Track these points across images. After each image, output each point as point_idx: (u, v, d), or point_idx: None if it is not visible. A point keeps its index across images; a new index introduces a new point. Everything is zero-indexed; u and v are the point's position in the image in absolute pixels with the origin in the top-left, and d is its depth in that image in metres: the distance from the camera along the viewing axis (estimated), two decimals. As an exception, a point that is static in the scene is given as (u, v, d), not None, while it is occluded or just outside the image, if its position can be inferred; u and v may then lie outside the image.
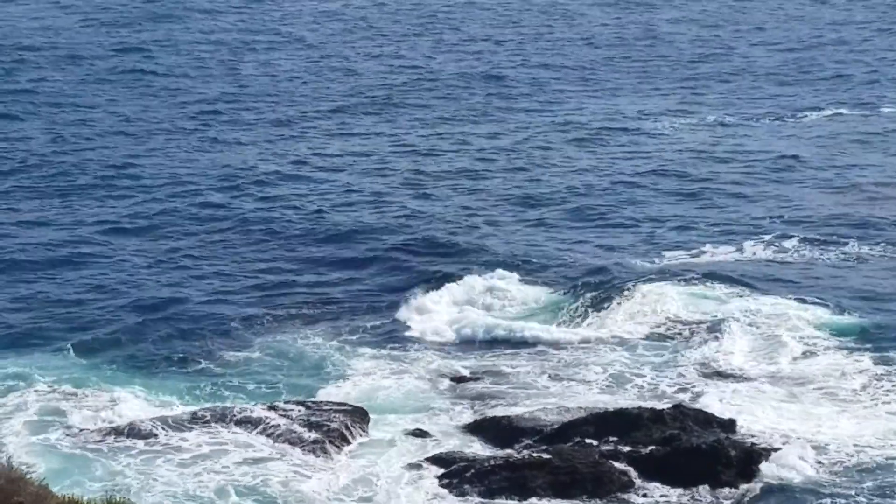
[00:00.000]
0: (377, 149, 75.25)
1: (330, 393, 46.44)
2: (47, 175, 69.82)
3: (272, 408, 44.17)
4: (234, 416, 43.53)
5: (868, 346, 49.10)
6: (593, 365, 48.40)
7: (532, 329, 51.40)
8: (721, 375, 47.24)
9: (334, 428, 42.79)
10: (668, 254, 58.84)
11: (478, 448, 42.47)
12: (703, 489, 39.84)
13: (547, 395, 46.02)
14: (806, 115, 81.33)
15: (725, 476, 40.19)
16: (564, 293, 54.23)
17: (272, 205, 65.50)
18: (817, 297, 53.02)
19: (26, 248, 59.60)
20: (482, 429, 43.64)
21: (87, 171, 70.61)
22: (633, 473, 40.40)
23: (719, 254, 58.99)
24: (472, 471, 40.36)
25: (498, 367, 48.48)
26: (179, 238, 61.29)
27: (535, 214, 64.35)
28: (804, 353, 48.78)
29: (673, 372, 47.69)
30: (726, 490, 39.85)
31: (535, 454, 41.09)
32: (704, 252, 59.15)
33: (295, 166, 71.90)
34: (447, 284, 55.17)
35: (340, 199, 66.29)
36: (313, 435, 42.45)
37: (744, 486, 40.00)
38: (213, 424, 43.05)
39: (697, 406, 44.24)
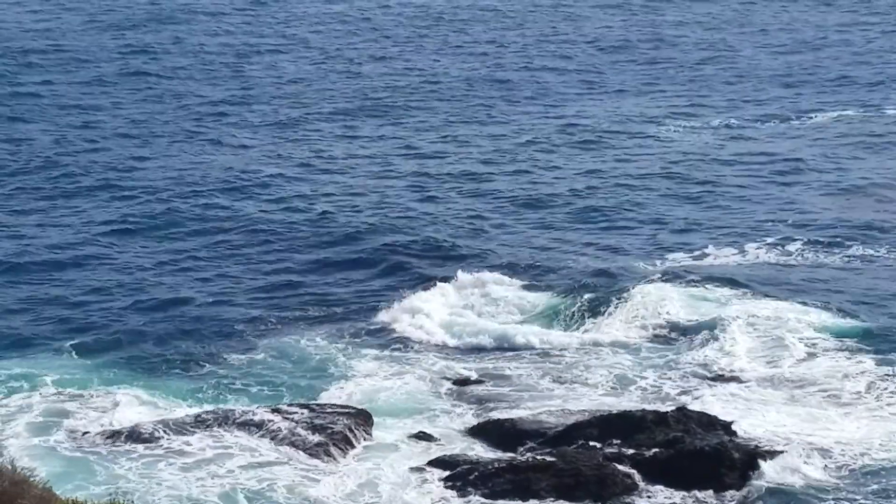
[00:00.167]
0: (381, 151, 75.28)
1: (333, 395, 46.46)
2: (52, 177, 69.92)
3: (276, 410, 44.15)
4: (238, 418, 43.53)
5: (871, 349, 49.06)
6: (596, 367, 48.41)
7: (534, 331, 51.40)
8: (724, 378, 47.22)
9: (338, 431, 42.78)
10: (671, 256, 58.86)
11: (481, 451, 42.48)
12: (707, 492, 39.84)
13: (550, 398, 46.03)
14: (810, 118, 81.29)
15: (729, 478, 40.21)
16: (567, 295, 54.21)
17: (276, 207, 65.55)
18: (820, 300, 53.00)
19: (31, 250, 59.68)
20: (485, 431, 43.67)
21: (91, 172, 70.69)
22: (637, 476, 40.42)
23: (722, 256, 59.00)
24: (476, 473, 40.38)
25: (500, 369, 48.48)
26: (183, 240, 61.36)
27: (539, 217, 64.37)
28: (807, 355, 48.77)
29: (676, 374, 47.68)
30: (730, 492, 39.87)
31: (538, 457, 41.12)
32: (707, 255, 59.17)
33: (299, 168, 71.94)
34: (449, 287, 55.18)
35: (344, 201, 66.33)
36: (317, 438, 42.43)
37: (747, 489, 39.99)
38: (216, 427, 43.04)
39: (701, 409, 44.22)
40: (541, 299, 54.28)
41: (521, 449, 42.20)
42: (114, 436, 42.69)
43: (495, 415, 44.70)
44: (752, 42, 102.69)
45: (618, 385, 47.16)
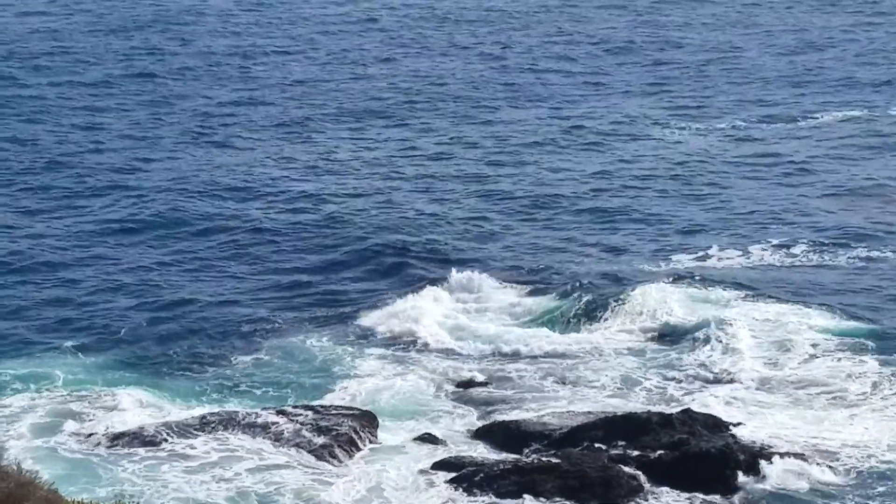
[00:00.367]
0: (387, 152, 75.31)
1: (338, 396, 46.45)
2: (57, 177, 69.99)
3: (280, 412, 44.13)
4: (243, 420, 43.49)
5: (876, 350, 48.97)
6: (600, 369, 48.38)
7: (538, 333, 51.38)
8: (729, 380, 47.18)
9: (343, 433, 42.75)
10: (675, 257, 58.84)
11: (486, 452, 42.48)
12: (713, 494, 39.80)
13: (554, 400, 46.00)
14: (816, 119, 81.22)
15: (734, 480, 40.18)
16: (571, 297, 54.16)
17: (281, 208, 65.58)
18: (825, 302, 52.97)
19: (36, 250, 59.73)
20: (490, 433, 43.67)
21: (97, 173, 70.76)
22: (643, 478, 40.39)
23: (726, 258, 58.95)
24: (482, 475, 40.34)
25: (504, 371, 48.45)
26: (189, 240, 61.41)
27: (544, 218, 64.36)
28: (812, 357, 48.71)
29: (680, 376, 47.65)
30: (735, 495, 39.82)
31: (543, 458, 41.09)
32: (712, 256, 59.13)
33: (304, 169, 71.97)
34: (454, 289, 55.19)
35: (350, 202, 66.34)
36: (322, 440, 42.39)
37: (753, 491, 39.96)
38: (221, 429, 42.99)
39: (706, 410, 44.21)
40: (545, 300, 54.28)
41: (527, 451, 42.16)
42: (118, 437, 42.67)
43: (500, 416, 44.69)
44: (758, 43, 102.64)
45: (622, 387, 47.15)
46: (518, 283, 55.84)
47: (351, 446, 42.41)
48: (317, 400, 46.25)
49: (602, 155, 74.60)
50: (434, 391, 46.85)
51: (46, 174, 70.53)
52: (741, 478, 40.26)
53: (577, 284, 55.09)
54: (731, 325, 50.66)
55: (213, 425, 43.23)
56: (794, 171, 71.33)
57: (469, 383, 47.48)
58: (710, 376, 47.46)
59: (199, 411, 44.77)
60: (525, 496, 39.56)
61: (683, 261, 58.40)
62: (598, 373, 48.06)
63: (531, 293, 54.91)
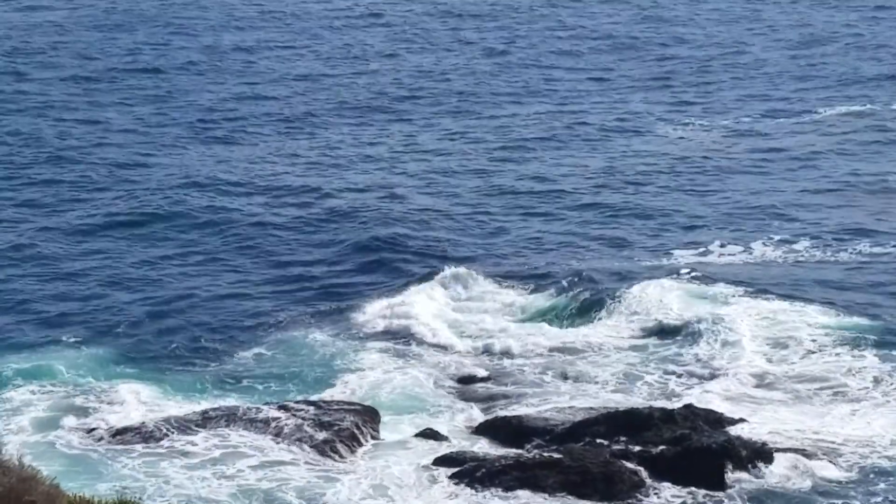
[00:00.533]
0: (388, 147, 75.28)
1: (339, 391, 46.45)
2: (60, 172, 69.99)
3: (282, 407, 44.14)
4: (244, 415, 43.48)
5: (879, 346, 48.92)
6: (602, 365, 48.37)
7: (540, 328, 51.37)
8: (730, 376, 47.17)
9: (345, 428, 42.74)
10: (677, 253, 58.80)
11: (488, 448, 42.50)
12: (714, 489, 39.80)
13: (556, 395, 46.02)
14: (820, 114, 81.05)
15: (736, 476, 40.18)
16: (572, 292, 54.12)
17: (283, 202, 65.57)
18: (827, 298, 52.96)
19: (38, 245, 59.76)
20: (492, 428, 43.68)
21: (99, 168, 70.76)
22: (644, 473, 40.41)
23: (728, 254, 58.91)
24: (484, 470, 40.39)
25: (506, 366, 48.44)
26: (190, 236, 61.39)
27: (545, 213, 64.30)
28: (814, 353, 48.67)
29: (682, 372, 47.63)
30: (737, 490, 39.82)
31: (545, 454, 41.12)
32: (713, 252, 59.08)
33: (307, 164, 71.97)
34: (454, 283, 55.18)
35: (352, 196, 66.32)
36: (324, 435, 42.37)
37: (755, 486, 39.97)
38: (223, 424, 42.99)
39: (707, 406, 44.20)
40: (546, 296, 54.23)
41: (528, 446, 42.19)
42: (120, 433, 42.68)
43: (501, 412, 44.71)
44: (761, 38, 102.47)
45: (624, 382, 47.14)
46: (519, 278, 55.83)
47: (353, 442, 42.41)
48: (318, 394, 46.27)
49: (605, 150, 74.54)
50: (435, 386, 46.86)
51: (49, 168, 70.53)
52: (743, 474, 40.25)
53: (578, 280, 55.09)
54: (732, 321, 50.64)
55: (214, 420, 43.23)
56: (797, 166, 71.26)
57: (470, 379, 47.48)
58: (712, 372, 47.44)
59: (200, 406, 44.78)
60: (525, 490, 39.58)
61: (685, 256, 58.38)
62: (599, 368, 48.07)
63: (532, 288, 54.87)
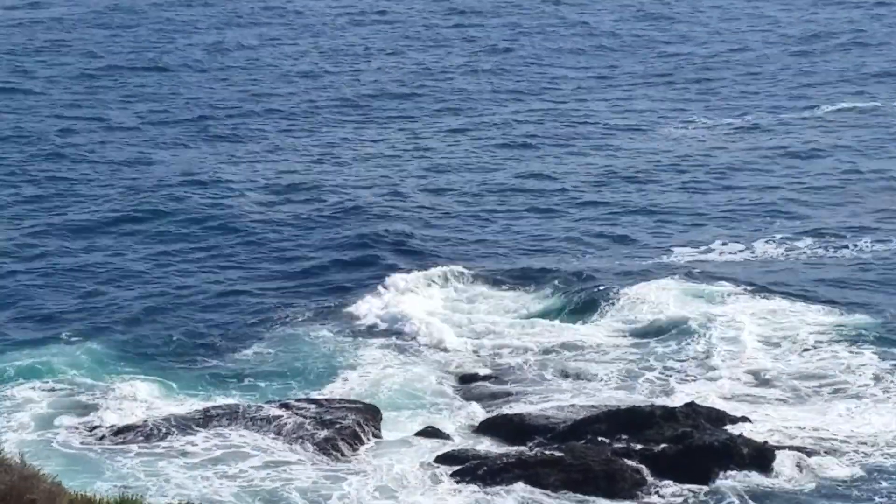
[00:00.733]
0: (390, 144, 75.23)
1: (341, 389, 46.45)
2: (61, 169, 69.99)
3: (284, 405, 44.12)
4: (246, 414, 43.46)
5: (878, 343, 48.89)
6: (603, 363, 48.34)
7: (540, 326, 51.30)
8: (732, 373, 47.15)
9: (347, 426, 42.73)
10: (678, 251, 58.73)
11: (490, 446, 42.49)
12: (716, 487, 39.79)
13: (557, 393, 46.01)
14: (823, 111, 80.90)
15: (738, 474, 40.15)
16: (573, 289, 54.12)
17: (283, 199, 65.54)
18: (829, 296, 52.92)
19: (40, 242, 59.77)
20: (494, 426, 43.68)
21: (100, 164, 70.78)
22: (646, 471, 40.39)
23: (729, 252, 58.83)
24: (485, 468, 40.38)
25: (506, 364, 48.39)
26: (191, 233, 61.36)
27: (546, 210, 64.25)
28: (815, 350, 48.62)
29: (683, 370, 47.60)
30: (739, 488, 39.78)
31: (547, 452, 41.09)
32: (714, 249, 59.00)
33: (308, 162, 71.96)
34: (455, 281, 55.18)
35: (352, 194, 66.27)
36: (326, 433, 42.36)
37: (756, 484, 39.94)
38: (225, 422, 42.97)
39: (709, 404, 44.19)
40: (547, 293, 54.21)
41: (530, 444, 42.20)
42: (121, 431, 42.64)
43: (503, 410, 44.72)
44: (764, 35, 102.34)
45: (625, 379, 47.14)
46: (520, 276, 55.76)
47: (354, 440, 42.40)
48: (319, 391, 46.28)
49: (606, 148, 74.44)
50: (436, 384, 46.84)
51: (51, 165, 70.54)
52: (745, 472, 40.21)
53: (579, 278, 55.06)
54: (733, 319, 50.62)
55: (216, 419, 43.19)
56: (799, 163, 71.16)
57: (472, 377, 47.45)
58: (713, 370, 47.40)
59: (202, 404, 44.76)
60: (527, 488, 39.55)
61: (686, 254, 58.35)
62: (599, 366, 48.04)
63: (533, 286, 54.81)
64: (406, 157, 72.93)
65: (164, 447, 41.65)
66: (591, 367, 47.98)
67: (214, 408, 44.15)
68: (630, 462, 40.62)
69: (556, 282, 54.91)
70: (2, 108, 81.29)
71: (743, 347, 48.70)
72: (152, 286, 55.30)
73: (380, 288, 54.73)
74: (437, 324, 51.51)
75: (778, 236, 60.29)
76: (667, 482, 39.96)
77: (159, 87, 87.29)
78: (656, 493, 39.63)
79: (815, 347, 48.80)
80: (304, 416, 43.28)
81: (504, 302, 53.93)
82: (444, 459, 41.23)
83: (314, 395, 46.03)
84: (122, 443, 42.04)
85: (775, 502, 39.24)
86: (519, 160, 72.33)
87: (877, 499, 39.10)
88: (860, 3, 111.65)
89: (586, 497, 39.49)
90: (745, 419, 43.32)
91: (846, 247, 59.00)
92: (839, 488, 39.70)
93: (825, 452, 41.42)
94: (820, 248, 59.04)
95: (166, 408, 44.65)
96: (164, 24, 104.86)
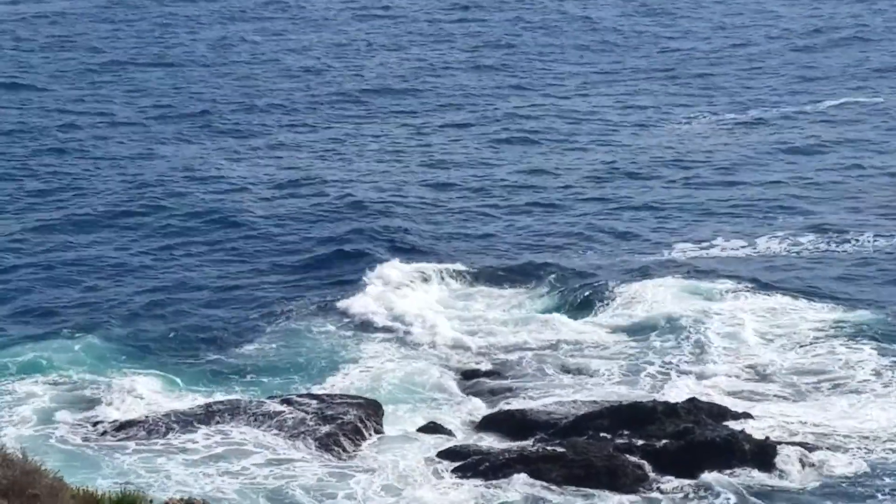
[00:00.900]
0: (391, 140, 75.20)
1: (342, 384, 46.43)
2: (63, 163, 69.96)
3: (285, 401, 44.09)
4: (248, 409, 43.41)
5: (880, 339, 48.85)
6: (605, 358, 48.32)
7: (541, 322, 51.22)
8: (733, 369, 47.14)
9: (348, 421, 42.68)
10: (680, 247, 58.67)
11: (492, 441, 42.50)
12: (717, 483, 39.78)
13: (559, 388, 46.00)
14: (825, 105, 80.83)
15: (740, 470, 40.16)
16: (574, 286, 54.08)
17: (284, 194, 65.51)
18: (831, 291, 52.91)
19: (41, 238, 59.75)
20: (496, 422, 43.68)
21: (102, 159, 70.78)
22: (648, 467, 40.39)
23: (731, 248, 58.76)
24: (487, 464, 40.38)
25: (508, 360, 48.35)
26: (192, 228, 61.33)
27: (547, 207, 64.20)
28: (816, 346, 48.59)
29: (685, 365, 47.55)
30: (740, 483, 39.78)
31: (549, 447, 41.09)
32: (716, 245, 58.94)
33: (309, 156, 71.95)
34: (457, 276, 55.16)
35: (352, 189, 66.23)
36: (328, 429, 42.31)
37: (758, 480, 39.93)
38: (227, 418, 42.92)
39: (710, 399, 44.17)
40: (548, 289, 54.17)
41: (532, 439, 42.20)
42: (123, 427, 42.58)
43: (505, 405, 44.72)
44: (766, 30, 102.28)
45: (626, 375, 47.12)
46: (520, 271, 55.73)
47: (356, 435, 42.36)
48: (321, 386, 46.27)
49: (609, 144, 74.41)
50: (438, 379, 46.81)
51: (53, 160, 70.51)
52: (746, 467, 40.20)
53: (580, 273, 55.05)
54: (734, 315, 50.62)
55: (218, 414, 43.15)
56: (802, 159, 71.12)
57: (473, 372, 47.44)
58: (714, 366, 47.36)
59: (203, 400, 44.74)
60: (529, 484, 39.56)
61: (688, 250, 58.32)
62: (601, 362, 48.02)
63: (534, 282, 54.77)
64: (408, 152, 72.91)
65: (165, 443, 41.58)
66: (592, 362, 47.97)
67: (216, 403, 44.13)
68: (632, 458, 40.62)
69: (556, 278, 54.87)
70: (5, 103, 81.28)
71: (744, 343, 48.70)
72: (154, 281, 55.30)
73: (380, 283, 54.71)
74: (438, 319, 51.46)
75: (780, 232, 60.22)
76: (668, 478, 39.94)
77: (162, 82, 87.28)
78: (658, 488, 39.63)
79: (816, 343, 48.79)
80: (306, 412, 43.25)
81: (505, 297, 53.90)
82: (446, 455, 41.25)
83: (315, 389, 46.04)
84: (124, 438, 41.98)
85: (777, 498, 39.22)
86: (521, 156, 72.29)
87: (880, 496, 39.06)
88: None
89: (591, 491, 39.41)
90: (746, 415, 43.30)
91: (848, 241, 58.98)
92: (842, 485, 39.67)
93: (827, 448, 41.39)
94: (822, 243, 58.98)
95: (168, 403, 44.64)
96: (167, 19, 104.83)
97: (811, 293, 52.81)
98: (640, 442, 41.34)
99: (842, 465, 40.62)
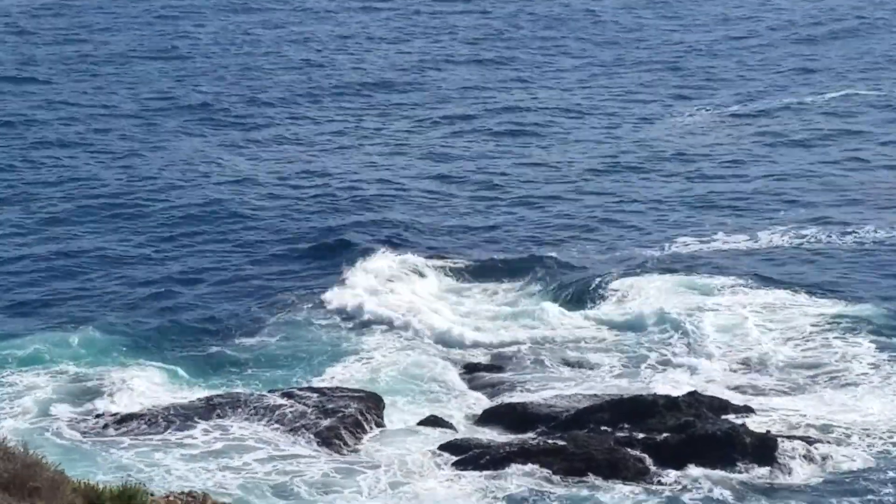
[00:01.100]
0: (391, 131, 75.17)
1: (343, 377, 46.43)
2: (63, 156, 69.94)
3: (286, 394, 44.07)
4: (249, 403, 43.40)
5: (880, 333, 48.84)
6: (604, 352, 48.31)
7: (541, 315, 51.16)
8: (734, 363, 47.14)
9: (349, 415, 42.66)
10: (681, 241, 58.59)
11: (493, 435, 42.50)
12: (718, 476, 39.78)
13: (560, 382, 45.99)
14: (826, 98, 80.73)
15: (740, 463, 40.15)
16: (575, 280, 54.08)
17: (283, 187, 65.51)
18: (832, 285, 52.92)
19: (41, 230, 59.76)
20: (497, 415, 43.67)
21: (102, 152, 70.73)
22: (649, 460, 40.38)
23: (733, 241, 58.68)
24: (488, 457, 40.38)
25: (508, 354, 48.34)
26: (193, 221, 61.32)
27: (547, 200, 64.12)
28: (816, 340, 48.57)
29: (686, 359, 47.52)
30: (741, 477, 39.78)
31: (550, 441, 41.10)
32: (717, 239, 58.86)
33: (306, 149, 71.89)
34: (457, 269, 55.15)
35: (350, 182, 66.20)
36: (329, 422, 42.29)
37: (759, 474, 39.92)
38: (228, 412, 42.88)
39: (711, 393, 44.16)
40: (547, 283, 54.11)
41: (533, 433, 42.20)
42: (123, 420, 42.56)
43: (506, 399, 44.71)
44: (769, 22, 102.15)
45: (628, 368, 47.12)
46: (520, 264, 55.72)
47: (357, 429, 42.34)
48: (321, 378, 46.26)
49: (610, 137, 74.32)
50: (438, 373, 46.79)
51: (53, 152, 70.49)
52: (748, 460, 40.18)
53: (580, 268, 55.06)
54: (735, 308, 50.63)
55: (219, 408, 43.11)
56: (804, 151, 71.04)
57: (474, 366, 47.43)
58: (715, 360, 47.35)
59: (204, 393, 44.72)
60: (530, 477, 39.57)
61: (689, 244, 58.26)
62: (601, 355, 48.01)
63: (534, 275, 54.70)
64: (409, 145, 72.86)
65: (166, 437, 41.56)
66: (592, 356, 47.97)
67: (217, 396, 44.12)
68: (633, 451, 40.61)
69: (557, 271, 54.86)
70: (8, 95, 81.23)
71: (745, 337, 48.68)
72: (155, 273, 55.33)
73: (381, 276, 54.71)
74: (437, 312, 51.45)
75: (781, 226, 60.11)
76: (669, 471, 39.93)
77: (163, 73, 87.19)
78: (659, 481, 39.61)
79: (816, 337, 48.76)
80: (307, 405, 43.23)
81: (505, 290, 53.88)
82: (447, 448, 41.22)
83: (316, 381, 46.06)
84: (125, 432, 41.95)
85: (778, 493, 39.21)
86: (521, 149, 72.21)
87: (883, 490, 38.97)
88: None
89: (592, 484, 39.41)
90: (747, 408, 43.30)
91: (850, 234, 58.92)
92: (846, 480, 39.64)
93: (829, 442, 41.38)
94: (824, 236, 58.92)
95: (168, 396, 44.62)
96: (168, 12, 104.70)
97: (812, 287, 52.79)
98: (641, 435, 41.34)
99: (844, 459, 40.62)
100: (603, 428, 41.85)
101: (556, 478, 39.60)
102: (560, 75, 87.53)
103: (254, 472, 39.89)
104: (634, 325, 50.23)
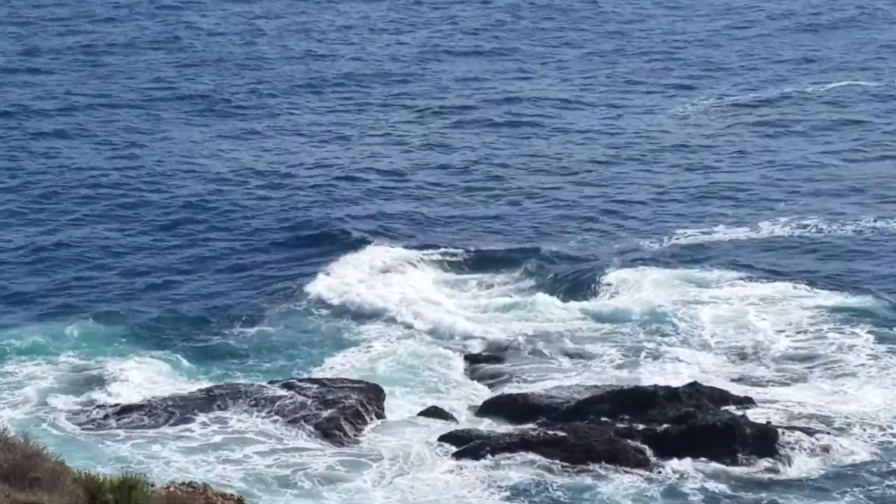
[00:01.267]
0: (390, 122, 75.06)
1: (342, 367, 46.44)
2: (62, 148, 69.87)
3: (287, 385, 44.07)
4: (249, 394, 43.40)
5: (880, 324, 48.82)
6: (604, 343, 48.26)
7: (542, 307, 51.13)
8: (734, 354, 47.13)
9: (350, 406, 42.65)
10: (682, 233, 58.52)
11: (493, 425, 42.50)
12: (718, 467, 39.79)
13: (560, 373, 45.98)
14: (826, 89, 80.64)
15: (741, 454, 40.16)
16: (576, 272, 54.03)
17: (280, 180, 65.40)
18: (832, 276, 52.89)
19: (39, 223, 59.71)
20: (497, 406, 43.66)
21: (101, 148, 70.63)
22: (649, 451, 40.41)
23: (732, 233, 58.59)
24: (488, 448, 40.40)
25: (509, 345, 48.28)
26: (192, 211, 61.26)
27: (546, 192, 64.07)
28: (817, 331, 48.55)
29: (686, 350, 47.50)
30: (741, 468, 39.80)
31: (550, 432, 41.11)
32: (717, 231, 58.79)
33: (302, 140, 71.80)
34: (455, 260, 55.14)
35: (346, 174, 66.11)
36: (329, 413, 42.30)
37: (759, 464, 39.94)
38: (229, 403, 42.87)
39: (711, 384, 44.15)
40: (546, 275, 54.01)
41: (533, 424, 42.20)
42: (124, 411, 42.59)
43: (506, 390, 44.71)
44: (768, 11, 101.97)
45: (627, 359, 47.07)
46: (519, 256, 55.66)
47: (358, 420, 42.33)
48: (321, 369, 46.27)
49: (610, 128, 74.23)
50: (438, 364, 46.78)
51: (52, 143, 70.44)
52: (748, 451, 40.18)
53: (579, 259, 55.02)
54: (735, 300, 50.59)
55: (219, 399, 43.11)
56: (805, 142, 70.95)
57: (474, 357, 47.42)
58: (717, 351, 47.34)
59: (204, 384, 44.71)
60: (530, 468, 39.61)
61: (690, 235, 58.21)
62: (600, 347, 47.96)
63: (532, 268, 54.57)
64: (409, 135, 72.77)
65: (165, 428, 41.54)
66: (592, 347, 47.93)
67: (217, 388, 44.11)
68: (633, 442, 40.62)
69: (555, 263, 54.83)
70: (7, 86, 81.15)
71: (745, 328, 48.66)
72: (155, 264, 55.29)
73: (380, 266, 54.70)
74: (436, 303, 51.44)
75: (782, 217, 59.99)
76: (670, 462, 39.93)
77: (164, 64, 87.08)
78: (659, 472, 39.61)
79: (816, 328, 48.73)
80: (307, 396, 43.22)
81: (505, 282, 53.84)
82: (448, 439, 41.24)
83: (316, 372, 46.06)
84: (125, 423, 41.93)
85: (778, 483, 39.23)
86: (522, 139, 72.12)
87: (885, 482, 38.97)
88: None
89: (592, 473, 39.44)
90: (747, 399, 43.29)
91: (850, 224, 58.84)
92: (845, 470, 39.64)
93: (828, 432, 41.38)
94: (825, 227, 58.85)
95: (168, 387, 44.62)
96: (170, 2, 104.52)
97: (813, 277, 52.75)
98: (642, 426, 41.36)
99: (844, 450, 40.60)
100: (603, 419, 41.87)
101: (557, 468, 39.66)
102: (561, 66, 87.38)
103: (255, 464, 39.88)
104: (634, 317, 50.17)
